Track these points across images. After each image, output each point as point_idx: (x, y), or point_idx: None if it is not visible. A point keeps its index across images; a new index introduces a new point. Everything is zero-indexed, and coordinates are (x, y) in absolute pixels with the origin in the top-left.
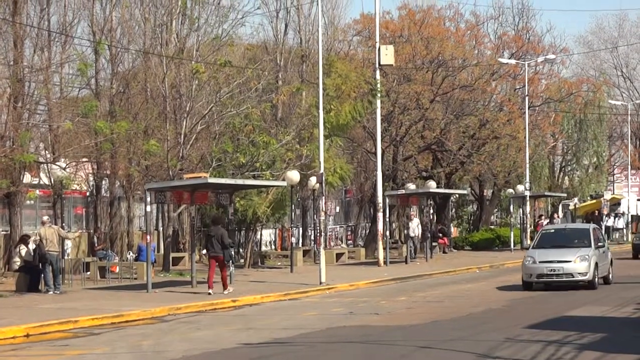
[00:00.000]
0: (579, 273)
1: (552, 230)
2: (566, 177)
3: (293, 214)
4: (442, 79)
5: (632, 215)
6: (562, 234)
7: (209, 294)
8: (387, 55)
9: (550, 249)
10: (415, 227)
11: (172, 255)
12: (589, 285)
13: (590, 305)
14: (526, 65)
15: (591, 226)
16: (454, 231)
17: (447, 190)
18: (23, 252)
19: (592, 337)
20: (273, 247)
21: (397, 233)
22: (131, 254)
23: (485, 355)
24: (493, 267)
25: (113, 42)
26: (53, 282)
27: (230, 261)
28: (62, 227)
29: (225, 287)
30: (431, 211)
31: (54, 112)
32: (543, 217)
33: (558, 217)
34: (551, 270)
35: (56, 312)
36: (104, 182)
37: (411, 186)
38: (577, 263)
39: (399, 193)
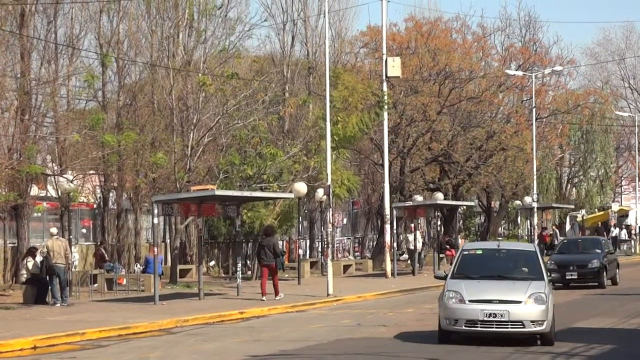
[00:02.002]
0: (532, 322)
1: (479, 252)
2: (574, 189)
3: (300, 225)
4: (449, 91)
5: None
6: (497, 258)
7: (263, 300)
8: (394, 67)
9: (483, 281)
10: (415, 240)
11: (180, 267)
12: (544, 339)
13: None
14: (533, 77)
15: (535, 245)
16: (461, 243)
17: (454, 202)
18: (30, 265)
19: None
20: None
21: (405, 245)
22: (138, 266)
23: None
24: None
25: (120, 55)
26: (60, 295)
27: (281, 269)
28: (70, 241)
29: (276, 293)
30: (439, 223)
31: (61, 125)
32: (547, 230)
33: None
34: (490, 315)
35: (63, 324)
36: (111, 194)
37: (418, 198)
38: (529, 305)
39: (406, 205)
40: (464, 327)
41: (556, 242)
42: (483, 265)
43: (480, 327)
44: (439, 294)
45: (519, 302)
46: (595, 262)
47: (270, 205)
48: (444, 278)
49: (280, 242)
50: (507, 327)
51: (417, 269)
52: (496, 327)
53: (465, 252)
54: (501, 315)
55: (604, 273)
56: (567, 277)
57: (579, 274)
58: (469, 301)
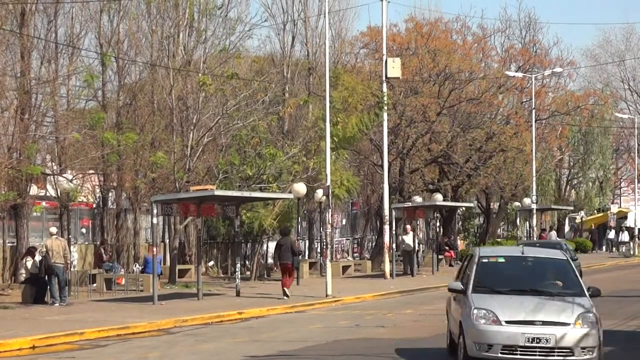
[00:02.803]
0: (583, 349)
1: (501, 260)
2: (573, 190)
3: (299, 226)
4: (449, 92)
5: (638, 229)
6: (524, 268)
7: (285, 298)
8: (394, 67)
9: (515, 297)
10: (410, 242)
11: (179, 267)
12: None
13: None
14: (533, 78)
15: (564, 251)
16: (461, 244)
17: (453, 203)
18: (29, 264)
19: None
20: None
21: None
22: (137, 266)
23: None
24: None
25: (120, 54)
26: (59, 294)
27: (297, 268)
28: (69, 240)
29: (284, 293)
30: (438, 224)
31: (60, 124)
32: (547, 232)
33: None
34: (533, 339)
35: (62, 324)
36: (110, 194)
37: (418, 199)
38: (579, 329)
39: (405, 206)
40: (500, 354)
41: None
42: (508, 277)
43: (521, 354)
44: (438, 295)
45: (567, 324)
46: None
47: (270, 206)
48: (462, 292)
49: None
50: (553, 355)
51: (416, 270)
52: (539, 355)
53: (484, 260)
54: (547, 340)
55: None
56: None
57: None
58: (506, 322)
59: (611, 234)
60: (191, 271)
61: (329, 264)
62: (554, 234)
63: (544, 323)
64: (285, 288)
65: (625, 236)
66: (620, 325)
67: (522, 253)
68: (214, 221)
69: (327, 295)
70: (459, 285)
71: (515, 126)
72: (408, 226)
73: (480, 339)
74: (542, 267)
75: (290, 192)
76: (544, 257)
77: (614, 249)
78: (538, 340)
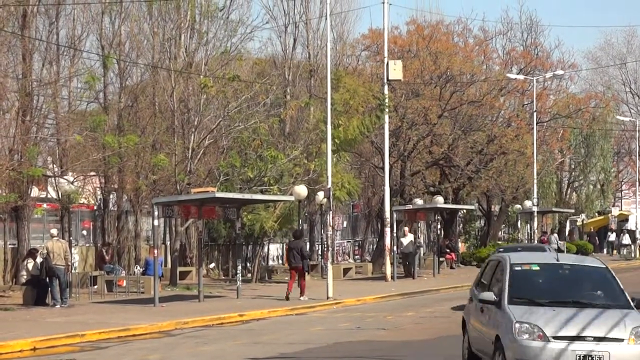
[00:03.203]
0: None
1: (536, 267)
2: (574, 193)
3: (300, 228)
4: (450, 94)
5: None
6: (562, 277)
7: (287, 300)
8: (395, 70)
9: (559, 309)
10: (408, 244)
11: (180, 269)
12: None
13: None
14: (534, 80)
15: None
16: (462, 246)
17: (454, 206)
18: (30, 266)
19: None
20: (280, 261)
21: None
22: (138, 267)
23: None
24: None
25: (122, 56)
26: (60, 296)
27: (308, 271)
28: (70, 242)
29: (302, 293)
30: (439, 226)
31: (62, 126)
32: (547, 235)
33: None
34: (584, 357)
35: (63, 325)
36: (111, 196)
37: (419, 201)
38: (633, 346)
39: (406, 208)
40: None
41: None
42: (546, 287)
43: None
44: (439, 297)
45: (621, 340)
46: None
47: (271, 208)
48: (496, 303)
49: (279, 245)
50: None
51: (417, 273)
52: None
53: (516, 268)
54: (599, 358)
55: None
56: None
57: None
58: (553, 338)
59: (612, 237)
60: (192, 273)
61: (330, 267)
62: (554, 237)
63: (596, 339)
64: (290, 290)
65: (626, 239)
66: None
67: (557, 260)
68: (215, 223)
69: (328, 298)
70: (491, 296)
71: (517, 129)
72: (406, 228)
73: (524, 356)
74: (581, 276)
75: (291, 195)
76: (582, 264)
77: (614, 251)
78: (590, 359)
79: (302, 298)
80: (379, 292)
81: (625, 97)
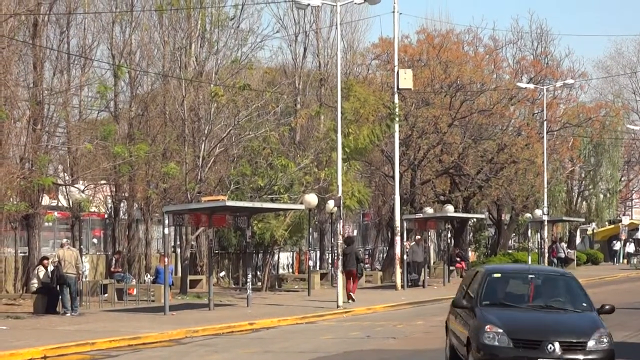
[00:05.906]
0: None
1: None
2: (584, 202)
3: (310, 237)
4: (460, 103)
5: None
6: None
7: (349, 302)
8: (405, 79)
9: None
10: (420, 252)
11: (190, 277)
12: None
13: None
14: (544, 89)
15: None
16: (472, 255)
17: (464, 215)
18: (41, 274)
19: None
20: (290, 270)
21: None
22: (149, 276)
23: None
24: None
25: (132, 65)
26: (71, 304)
27: (361, 275)
28: (81, 250)
29: (350, 297)
30: (449, 235)
31: (72, 135)
32: (556, 244)
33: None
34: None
35: (74, 334)
36: (122, 204)
37: (429, 210)
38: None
39: (416, 217)
40: None
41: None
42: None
43: None
44: (449, 306)
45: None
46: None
47: (281, 217)
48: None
49: (289, 254)
50: None
51: (427, 282)
52: None
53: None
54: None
55: None
56: None
57: None
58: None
59: (617, 245)
60: (202, 282)
61: (340, 275)
62: (563, 245)
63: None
64: (350, 293)
65: (631, 247)
66: (634, 336)
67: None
68: (225, 232)
69: (338, 306)
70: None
71: (527, 138)
72: (417, 237)
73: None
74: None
75: (301, 203)
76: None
77: (624, 260)
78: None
79: (349, 301)
80: (389, 300)
81: (635, 106)
